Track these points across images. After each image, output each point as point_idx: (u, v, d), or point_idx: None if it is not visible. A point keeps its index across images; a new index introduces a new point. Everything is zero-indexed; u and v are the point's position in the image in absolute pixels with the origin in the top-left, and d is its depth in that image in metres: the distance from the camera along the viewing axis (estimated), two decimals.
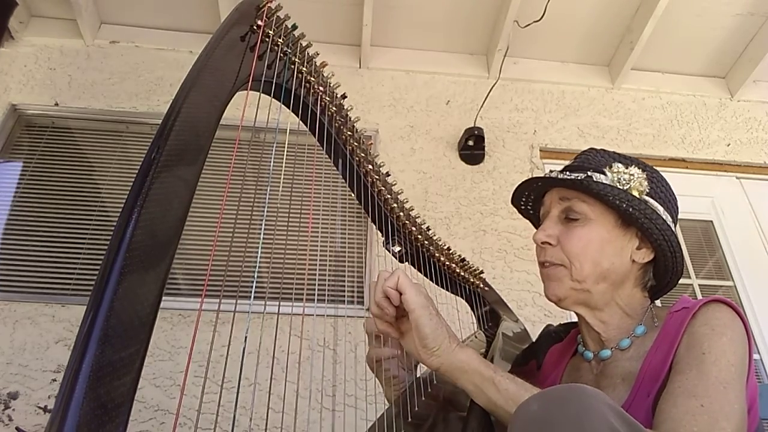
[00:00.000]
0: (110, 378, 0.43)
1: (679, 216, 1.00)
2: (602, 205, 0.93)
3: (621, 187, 0.92)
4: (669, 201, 0.97)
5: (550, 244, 0.95)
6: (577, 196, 0.95)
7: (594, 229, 0.93)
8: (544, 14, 2.63)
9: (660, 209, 0.93)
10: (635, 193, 0.92)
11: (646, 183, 0.94)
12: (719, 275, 2.64)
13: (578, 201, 0.94)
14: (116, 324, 0.45)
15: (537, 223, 1.08)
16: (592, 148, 1.02)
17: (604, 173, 0.94)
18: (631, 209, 0.90)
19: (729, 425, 0.73)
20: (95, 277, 0.47)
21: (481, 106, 2.77)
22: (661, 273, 0.97)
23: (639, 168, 0.95)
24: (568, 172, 0.97)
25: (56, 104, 2.57)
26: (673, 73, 3.08)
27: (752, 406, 0.83)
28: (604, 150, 1.00)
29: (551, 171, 0.99)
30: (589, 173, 0.94)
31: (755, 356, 2.39)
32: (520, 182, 1.04)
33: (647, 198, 0.93)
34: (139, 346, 0.46)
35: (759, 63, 2.90)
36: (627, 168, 0.94)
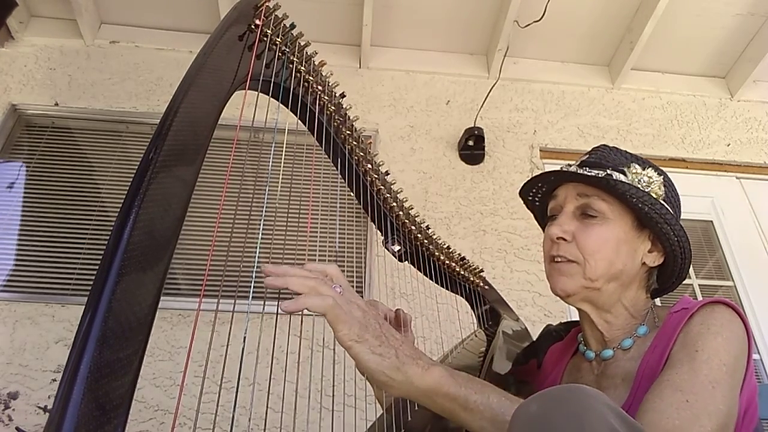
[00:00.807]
0: (109, 379, 0.43)
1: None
2: (621, 205, 0.92)
3: (642, 189, 0.91)
4: (678, 206, 0.97)
5: (565, 240, 0.94)
6: (597, 194, 0.93)
7: (611, 229, 0.92)
8: (544, 14, 2.63)
9: (674, 214, 0.93)
10: (654, 196, 0.91)
11: (663, 188, 0.93)
12: (719, 275, 2.64)
13: (598, 199, 0.92)
14: (114, 325, 0.45)
15: (540, 215, 1.07)
16: (604, 145, 1.00)
17: (624, 173, 0.92)
18: (653, 213, 0.90)
19: (710, 424, 0.72)
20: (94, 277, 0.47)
21: (481, 106, 2.77)
22: (667, 276, 0.97)
23: (655, 171, 0.94)
24: (587, 168, 0.94)
25: (56, 104, 2.57)
26: (673, 73, 3.08)
27: (750, 405, 0.83)
28: (617, 148, 0.99)
29: (569, 165, 0.97)
30: (609, 171, 0.92)
31: (755, 356, 2.38)
32: (539, 173, 1.02)
33: (663, 203, 0.92)
34: (137, 347, 0.46)
35: (759, 63, 2.90)
36: (644, 170, 0.93)
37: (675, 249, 0.92)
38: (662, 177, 0.94)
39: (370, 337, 0.67)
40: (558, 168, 0.98)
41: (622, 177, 0.92)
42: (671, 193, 0.96)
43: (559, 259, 0.94)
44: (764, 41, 2.85)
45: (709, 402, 0.74)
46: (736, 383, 0.79)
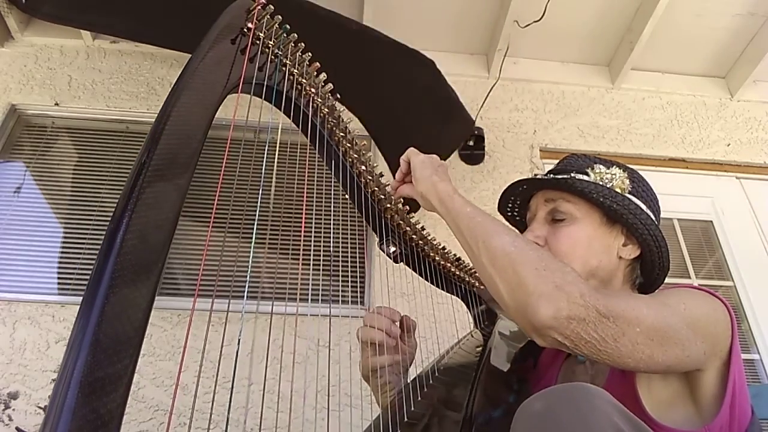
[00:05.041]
0: (100, 394, 0.42)
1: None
2: (587, 203, 0.95)
3: (604, 185, 0.94)
4: (651, 200, 0.99)
5: (538, 245, 0.95)
6: (561, 196, 0.96)
7: (580, 228, 0.94)
8: (544, 14, 2.62)
9: (643, 206, 0.95)
10: (618, 191, 0.94)
11: (627, 181, 0.96)
12: (719, 275, 2.63)
13: (563, 201, 0.96)
14: (109, 331, 0.44)
15: (524, 229, 1.09)
16: (573, 154, 1.04)
17: (586, 174, 0.96)
18: (615, 205, 0.92)
19: (650, 313, 0.70)
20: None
21: (481, 106, 2.76)
22: (648, 269, 0.98)
23: (620, 168, 0.97)
24: (551, 175, 0.99)
25: (56, 104, 2.57)
26: (673, 73, 3.07)
27: (733, 395, 0.80)
28: (584, 155, 1.03)
29: (535, 175, 1.02)
30: (573, 174, 0.96)
31: (755, 356, 2.38)
32: (505, 188, 1.05)
33: (629, 196, 0.95)
34: (132, 351, 0.46)
35: (759, 63, 2.88)
36: (609, 169, 0.97)
37: (646, 238, 0.93)
38: (626, 172, 0.97)
39: (432, 166, 0.99)
40: (537, 174, 1.02)
41: (585, 177, 0.95)
42: (639, 186, 0.98)
43: None
44: (764, 41, 2.84)
45: (653, 304, 0.73)
46: (699, 332, 0.76)
